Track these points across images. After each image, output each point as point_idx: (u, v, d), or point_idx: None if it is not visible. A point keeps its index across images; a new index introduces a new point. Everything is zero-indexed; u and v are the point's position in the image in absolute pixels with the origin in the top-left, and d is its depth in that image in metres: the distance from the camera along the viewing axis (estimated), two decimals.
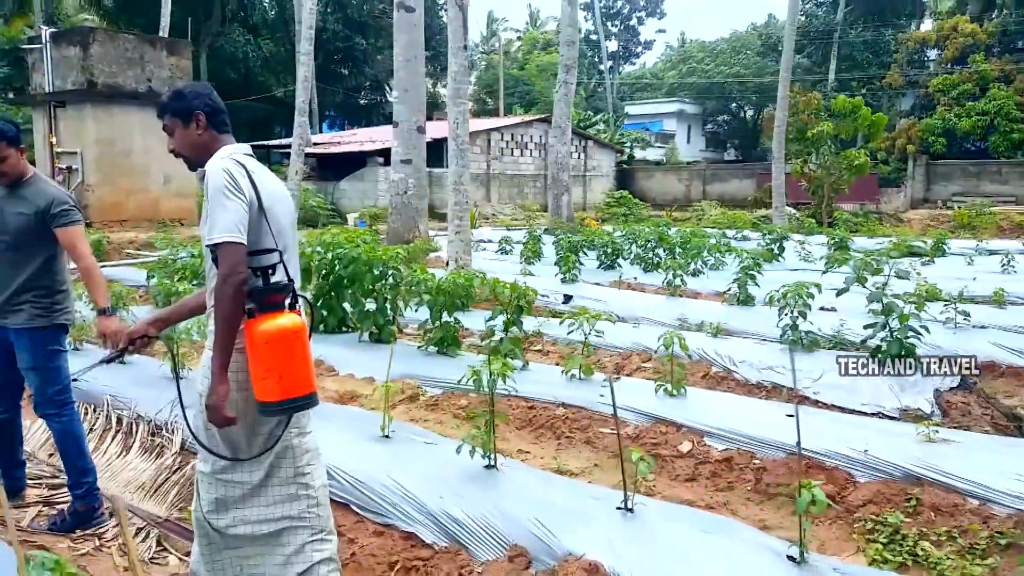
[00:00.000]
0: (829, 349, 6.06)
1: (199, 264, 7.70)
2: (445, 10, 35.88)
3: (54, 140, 18.41)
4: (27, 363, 3.65)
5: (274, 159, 33.90)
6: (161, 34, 25.15)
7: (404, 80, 12.46)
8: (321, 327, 7.06)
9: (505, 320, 5.71)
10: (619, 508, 3.33)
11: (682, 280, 8.43)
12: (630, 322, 7.46)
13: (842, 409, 5.05)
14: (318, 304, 7.11)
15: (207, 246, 2.45)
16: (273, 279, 2.49)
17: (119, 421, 4.96)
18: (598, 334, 5.47)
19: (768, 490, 3.89)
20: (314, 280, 7.17)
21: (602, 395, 4.97)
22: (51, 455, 4.69)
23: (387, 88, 39.26)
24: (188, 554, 3.45)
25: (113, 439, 4.83)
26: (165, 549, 3.51)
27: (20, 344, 3.64)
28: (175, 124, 2.67)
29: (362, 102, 39.46)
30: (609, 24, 49.36)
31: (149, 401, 4.89)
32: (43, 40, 18.87)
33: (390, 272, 6.59)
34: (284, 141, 32.76)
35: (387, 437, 4.11)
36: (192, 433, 2.61)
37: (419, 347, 6.42)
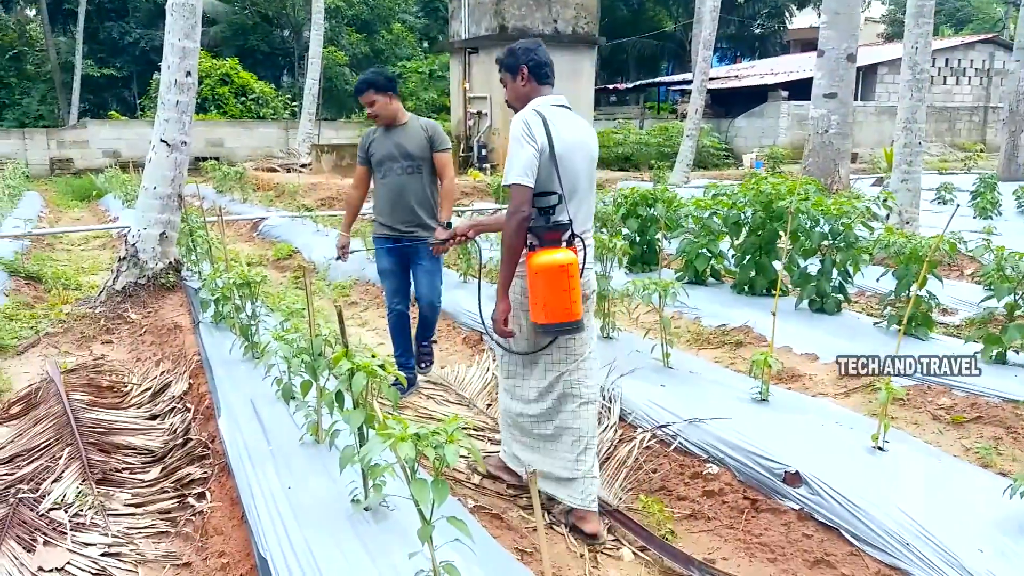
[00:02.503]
0: None
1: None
2: None
3: (467, 86, 19.45)
4: (431, 266, 4.53)
5: (661, 96, 33.54)
6: None
7: (835, 1, 10.86)
8: (746, 288, 6.44)
9: (1009, 304, 4.45)
10: None
11: None
12: None
13: None
14: (744, 262, 6.47)
15: (503, 186, 2.86)
16: (554, 219, 2.84)
17: None
18: None
19: None
20: (742, 235, 6.53)
21: None
22: (489, 405, 4.68)
23: (787, 15, 36.19)
24: (643, 548, 3.10)
25: None
26: (618, 540, 3.16)
27: (428, 251, 4.37)
28: (507, 78, 3.06)
29: (757, 31, 36.92)
30: None
31: None
32: None
33: (842, 230, 5.63)
34: (674, 78, 32.16)
35: (881, 449, 3.33)
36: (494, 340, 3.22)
37: (876, 323, 5.42)
